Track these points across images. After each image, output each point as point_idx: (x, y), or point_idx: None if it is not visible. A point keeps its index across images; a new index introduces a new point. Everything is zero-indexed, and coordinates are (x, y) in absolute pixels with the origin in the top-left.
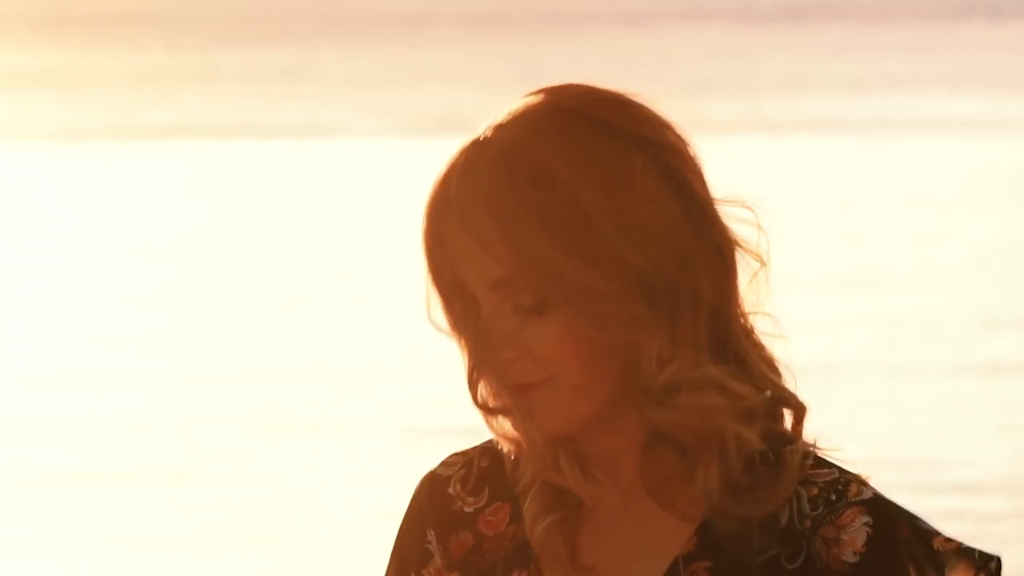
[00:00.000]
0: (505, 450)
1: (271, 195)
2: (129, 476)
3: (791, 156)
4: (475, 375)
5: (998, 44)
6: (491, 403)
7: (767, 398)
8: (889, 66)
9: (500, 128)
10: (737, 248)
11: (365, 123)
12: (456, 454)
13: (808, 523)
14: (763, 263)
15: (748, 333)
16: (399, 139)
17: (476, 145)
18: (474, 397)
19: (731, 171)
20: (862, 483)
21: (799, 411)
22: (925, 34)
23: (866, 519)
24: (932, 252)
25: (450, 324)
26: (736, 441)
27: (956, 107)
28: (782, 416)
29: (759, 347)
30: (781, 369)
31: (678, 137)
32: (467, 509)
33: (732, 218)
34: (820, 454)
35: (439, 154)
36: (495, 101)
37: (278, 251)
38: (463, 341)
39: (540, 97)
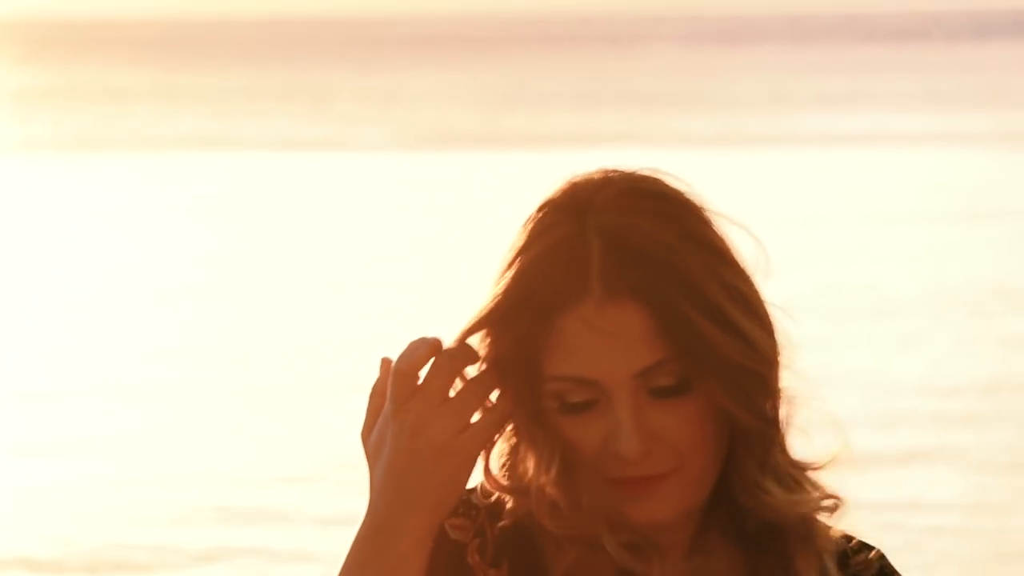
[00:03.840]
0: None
1: (285, 202)
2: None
3: (767, 168)
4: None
5: (961, 64)
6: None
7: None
8: (853, 84)
9: (598, 213)
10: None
11: (370, 137)
12: (457, 515)
13: None
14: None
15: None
16: (401, 152)
17: (577, 236)
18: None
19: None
20: (895, 571)
21: (839, 505)
22: (890, 55)
23: None
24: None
25: (520, 411)
26: (824, 539)
27: (915, 123)
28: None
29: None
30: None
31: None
32: None
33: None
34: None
35: (437, 166)
36: (489, 118)
37: (286, 252)
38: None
39: (601, 180)
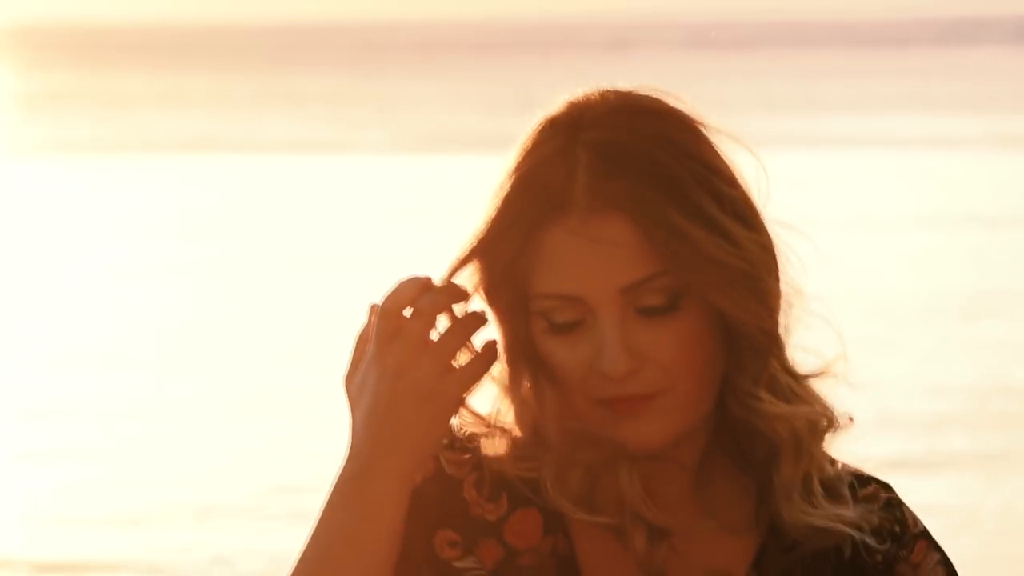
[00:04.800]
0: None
1: (289, 205)
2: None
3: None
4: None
5: (949, 69)
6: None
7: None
8: (845, 89)
9: (589, 130)
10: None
11: (373, 140)
12: (453, 450)
13: (879, 557)
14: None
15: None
16: (404, 156)
17: (566, 152)
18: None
19: None
20: (903, 504)
21: (836, 424)
22: (881, 60)
23: (937, 556)
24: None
25: (520, 342)
26: (820, 453)
27: (910, 127)
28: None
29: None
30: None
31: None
32: (489, 517)
33: None
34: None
35: (441, 168)
36: (493, 121)
37: (289, 254)
38: (537, 353)
39: (600, 98)
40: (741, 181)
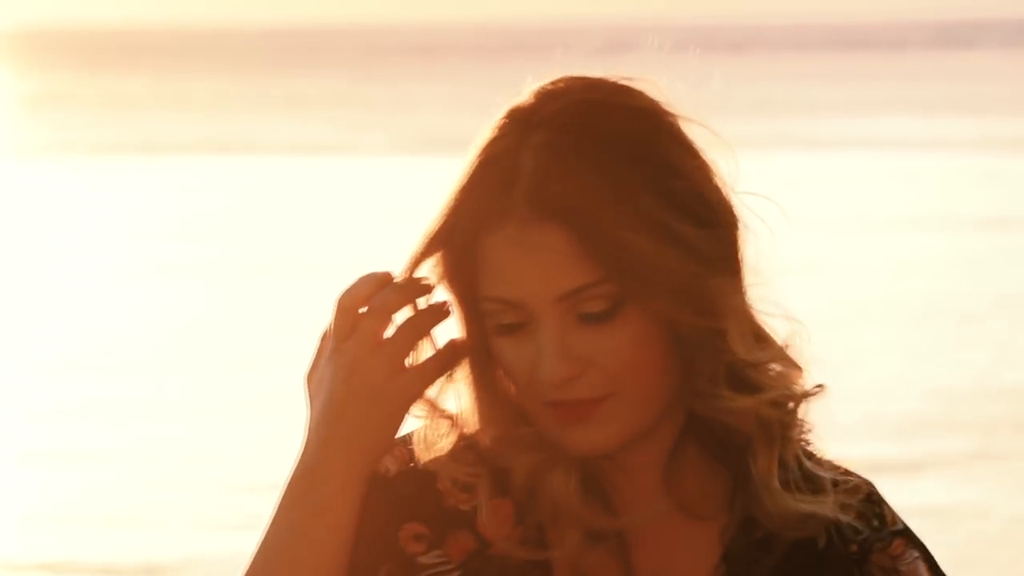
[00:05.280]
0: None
1: (292, 206)
2: None
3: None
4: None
5: (947, 72)
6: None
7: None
8: (839, 91)
9: (539, 129)
10: (743, 226)
11: (375, 142)
12: (421, 439)
13: (855, 548)
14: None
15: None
16: (405, 157)
17: (512, 153)
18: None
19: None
20: (884, 501)
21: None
22: (875, 62)
23: (915, 552)
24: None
25: (473, 339)
26: (791, 438)
27: (904, 129)
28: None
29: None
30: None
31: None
32: (463, 507)
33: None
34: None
35: (442, 170)
36: (486, 123)
37: (292, 256)
38: (488, 357)
39: (551, 96)
40: (702, 174)
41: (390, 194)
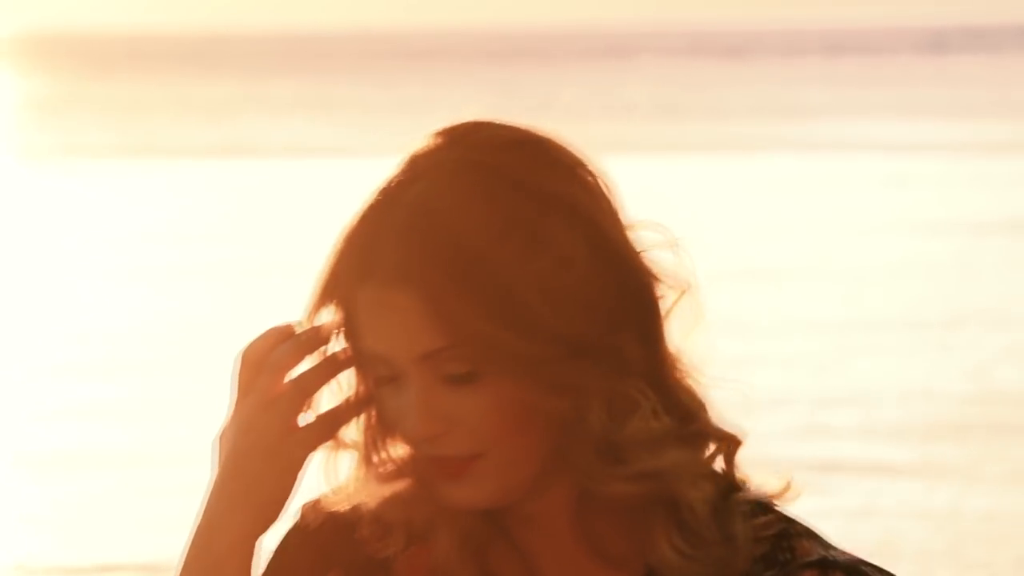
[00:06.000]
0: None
1: (296, 208)
2: None
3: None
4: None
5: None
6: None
7: (716, 448)
8: (834, 95)
9: (411, 187)
10: (659, 285)
11: (383, 144)
12: (347, 490)
13: None
14: (685, 290)
15: (678, 373)
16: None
17: (388, 208)
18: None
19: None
20: (809, 535)
21: (733, 447)
22: (868, 67)
23: None
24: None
25: (358, 392)
26: (692, 500)
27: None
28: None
29: (688, 386)
30: (708, 403)
31: (590, 175)
32: (381, 556)
33: (652, 245)
34: (755, 493)
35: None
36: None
37: (295, 258)
38: (371, 411)
39: (447, 147)
40: (593, 250)
41: None
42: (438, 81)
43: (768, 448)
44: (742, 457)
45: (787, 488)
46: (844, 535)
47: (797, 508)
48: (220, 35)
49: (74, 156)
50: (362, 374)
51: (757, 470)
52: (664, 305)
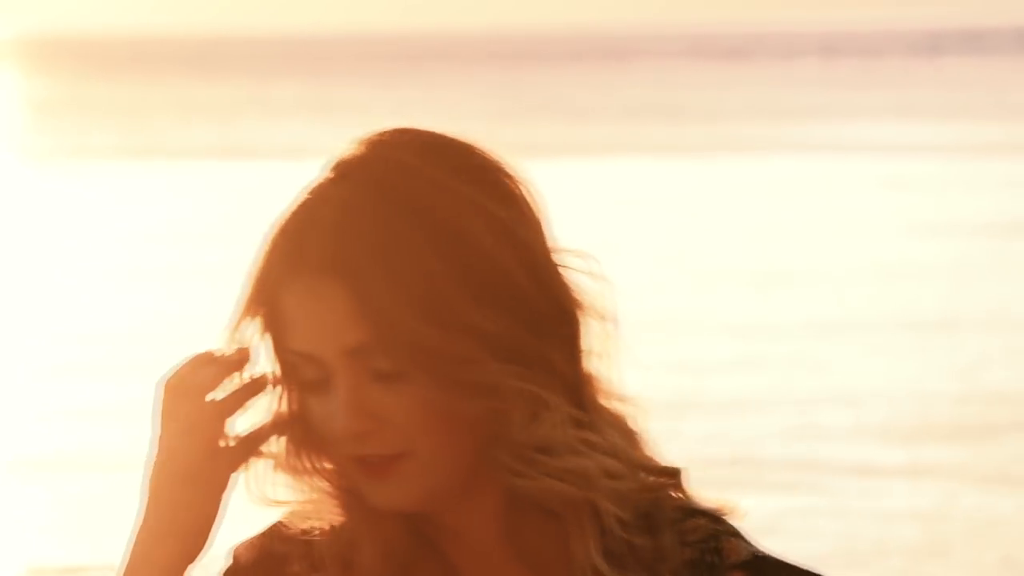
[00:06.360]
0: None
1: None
2: None
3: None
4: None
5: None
6: (326, 474)
7: (633, 455)
8: (829, 98)
9: (338, 186)
10: (580, 306)
11: None
12: (282, 524)
13: None
14: (605, 319)
15: (603, 399)
16: None
17: (315, 206)
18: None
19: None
20: (736, 536)
21: (669, 479)
22: (863, 70)
23: None
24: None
25: (287, 390)
26: (611, 504)
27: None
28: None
29: (616, 414)
30: (638, 435)
31: (515, 183)
32: None
33: (576, 270)
34: (683, 496)
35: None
36: (497, 129)
37: None
38: (296, 409)
39: (372, 149)
40: (515, 255)
41: None
42: (438, 84)
43: (759, 448)
44: (684, 486)
45: (727, 511)
46: (834, 534)
47: (794, 506)
48: (222, 37)
49: (77, 157)
50: (288, 388)
51: (701, 495)
52: (585, 329)
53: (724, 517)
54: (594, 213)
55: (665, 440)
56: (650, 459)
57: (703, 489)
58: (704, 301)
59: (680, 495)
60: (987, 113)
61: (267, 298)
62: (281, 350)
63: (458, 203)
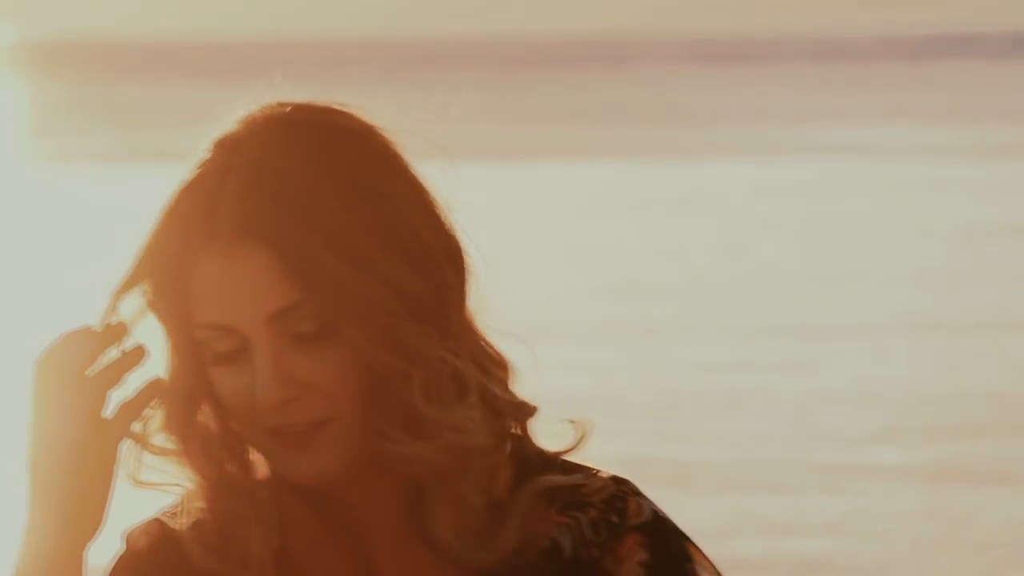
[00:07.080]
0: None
1: None
2: None
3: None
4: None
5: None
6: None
7: (513, 424)
8: (827, 100)
9: (242, 150)
10: (468, 266)
11: None
12: (176, 507)
13: (596, 552)
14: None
15: (482, 341)
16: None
17: (215, 177)
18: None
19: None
20: (638, 495)
21: (527, 415)
22: (860, 73)
23: (644, 556)
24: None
25: (181, 370)
26: (477, 481)
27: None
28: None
29: (495, 351)
30: (510, 368)
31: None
32: (211, 571)
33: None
34: (568, 478)
35: (443, 175)
36: (498, 132)
37: None
38: (207, 384)
39: (269, 114)
40: (416, 206)
41: None
42: (437, 87)
43: (757, 450)
44: (534, 426)
45: (582, 437)
46: (834, 534)
47: (794, 506)
48: (224, 42)
49: (83, 161)
50: (184, 357)
51: (546, 427)
52: (471, 284)
53: (573, 450)
54: (594, 214)
55: (665, 440)
56: (515, 397)
57: (704, 489)
58: (704, 302)
59: (543, 450)
60: (981, 116)
61: (168, 272)
62: (186, 325)
63: (369, 156)
